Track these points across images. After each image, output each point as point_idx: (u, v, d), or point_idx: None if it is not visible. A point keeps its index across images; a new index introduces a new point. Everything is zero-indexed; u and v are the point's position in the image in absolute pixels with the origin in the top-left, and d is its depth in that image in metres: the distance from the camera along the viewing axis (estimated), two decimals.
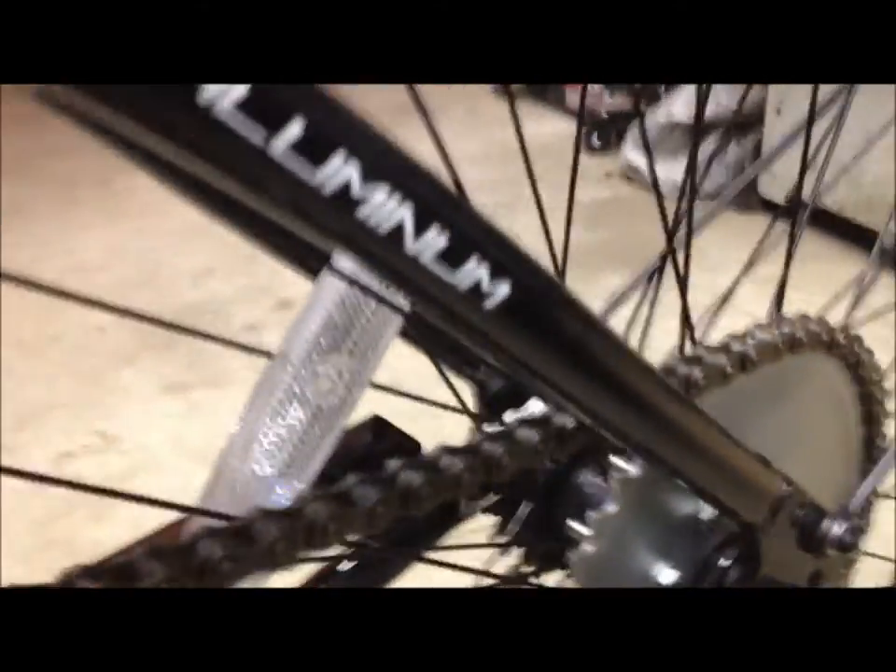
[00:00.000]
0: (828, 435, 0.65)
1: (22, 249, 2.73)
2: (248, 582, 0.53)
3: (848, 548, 0.56)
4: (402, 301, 0.45)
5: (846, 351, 0.60)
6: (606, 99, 3.49)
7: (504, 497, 0.69)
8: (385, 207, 0.29)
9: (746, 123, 2.79)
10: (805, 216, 0.71)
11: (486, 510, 0.71)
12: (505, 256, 0.34)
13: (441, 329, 0.58)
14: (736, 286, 0.67)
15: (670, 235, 0.61)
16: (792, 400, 0.60)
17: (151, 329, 1.97)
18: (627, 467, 0.52)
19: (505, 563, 0.73)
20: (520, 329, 0.35)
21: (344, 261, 0.44)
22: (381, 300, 0.44)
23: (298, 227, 0.30)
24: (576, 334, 0.38)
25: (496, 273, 0.33)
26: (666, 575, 0.57)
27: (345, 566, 0.64)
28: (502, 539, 0.66)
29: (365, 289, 0.43)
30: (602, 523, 0.52)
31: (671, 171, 3.05)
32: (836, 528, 0.56)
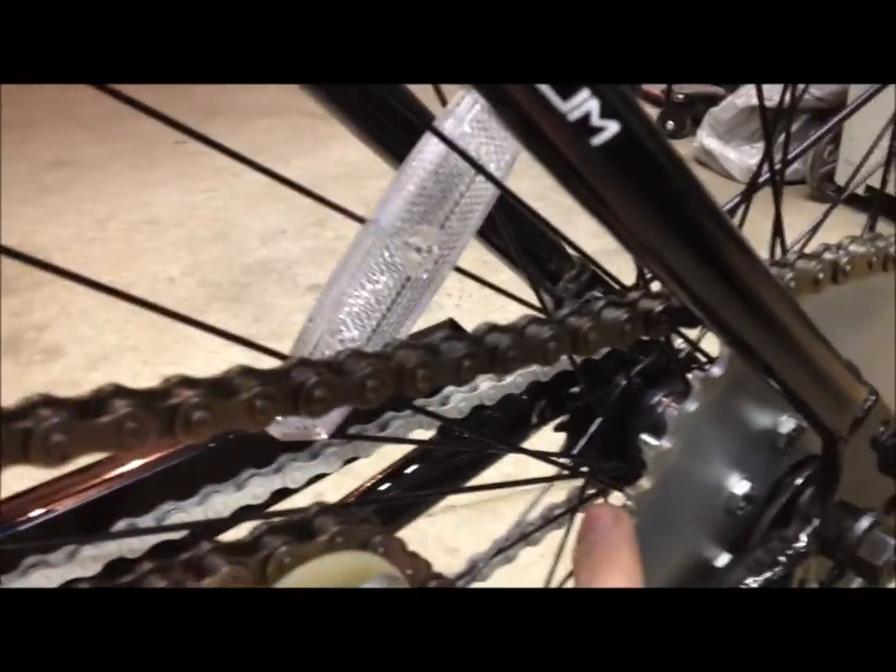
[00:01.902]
0: None
1: (99, 204, 2.80)
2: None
3: None
4: (499, 171, 0.45)
5: None
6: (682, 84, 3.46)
7: (575, 414, 0.69)
8: None
9: (827, 110, 2.73)
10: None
11: (558, 427, 0.71)
12: (617, 98, 0.34)
13: (523, 220, 0.58)
14: (832, 210, 0.67)
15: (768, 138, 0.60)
16: (883, 322, 0.59)
17: (220, 282, 2.02)
18: (710, 369, 0.52)
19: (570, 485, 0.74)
20: (625, 175, 0.35)
21: (447, 125, 0.44)
22: (478, 168, 0.44)
23: None
24: (680, 197, 0.38)
25: (606, 111, 0.33)
26: (741, 486, 0.56)
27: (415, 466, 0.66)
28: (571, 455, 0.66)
29: (464, 155, 0.44)
30: (681, 421, 0.51)
31: (746, 155, 3.01)
32: None
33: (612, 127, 0.33)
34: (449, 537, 1.65)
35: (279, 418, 0.45)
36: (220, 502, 0.53)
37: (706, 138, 3.11)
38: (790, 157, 0.73)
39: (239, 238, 2.58)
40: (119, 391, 0.32)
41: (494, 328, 0.42)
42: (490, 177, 0.45)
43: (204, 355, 1.94)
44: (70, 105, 3.49)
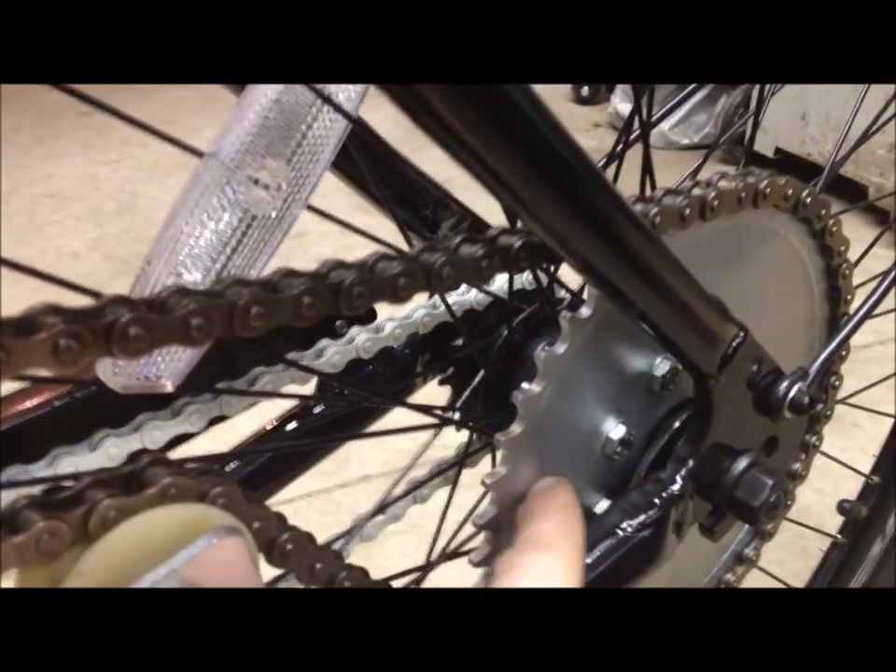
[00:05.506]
0: (790, 309, 0.64)
1: (2, 177, 2.69)
2: None
3: (805, 410, 0.55)
4: (349, 102, 0.43)
5: (811, 215, 0.58)
6: None
7: (459, 367, 0.68)
8: None
9: None
10: None
11: (442, 381, 0.69)
12: None
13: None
14: (711, 153, 0.66)
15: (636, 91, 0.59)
16: (754, 263, 0.59)
17: (125, 257, 1.95)
18: (578, 310, 0.50)
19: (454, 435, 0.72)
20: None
21: None
22: (324, 98, 0.42)
23: None
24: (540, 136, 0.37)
25: None
26: (617, 431, 0.55)
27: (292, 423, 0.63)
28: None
29: (309, 86, 0.41)
30: (549, 363, 0.50)
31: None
32: (794, 389, 0.55)
33: None
34: (363, 507, 1.63)
35: (110, 368, 0.42)
36: (71, 464, 0.50)
37: (619, 104, 3.12)
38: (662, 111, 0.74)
39: (146, 210, 2.51)
40: None
41: (340, 264, 0.40)
42: (338, 108, 0.42)
43: None
44: None
